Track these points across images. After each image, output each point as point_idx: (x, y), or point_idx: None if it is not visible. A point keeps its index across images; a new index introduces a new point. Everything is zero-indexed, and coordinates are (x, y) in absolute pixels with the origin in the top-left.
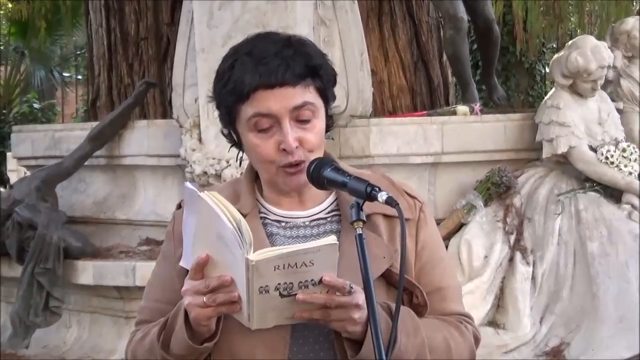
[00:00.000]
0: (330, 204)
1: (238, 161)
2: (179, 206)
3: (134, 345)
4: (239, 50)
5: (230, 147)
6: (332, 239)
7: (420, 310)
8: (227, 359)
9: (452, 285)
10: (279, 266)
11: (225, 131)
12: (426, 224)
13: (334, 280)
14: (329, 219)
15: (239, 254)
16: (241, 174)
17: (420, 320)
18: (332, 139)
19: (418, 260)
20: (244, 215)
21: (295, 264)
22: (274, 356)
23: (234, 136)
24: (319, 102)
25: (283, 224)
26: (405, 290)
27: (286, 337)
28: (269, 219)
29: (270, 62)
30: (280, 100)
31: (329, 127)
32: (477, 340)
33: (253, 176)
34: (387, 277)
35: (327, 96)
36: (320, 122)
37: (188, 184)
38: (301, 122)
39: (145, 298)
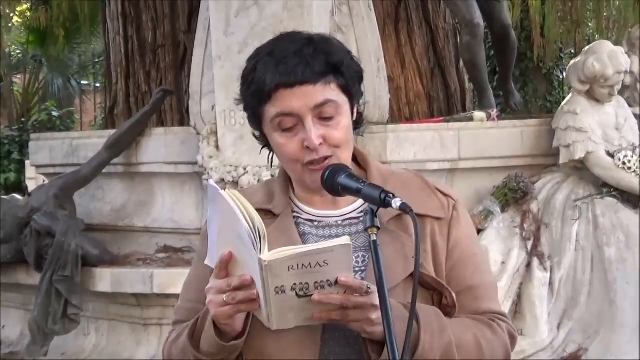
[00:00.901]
0: (363, 204)
1: (270, 162)
2: None
3: (169, 345)
4: (261, 51)
5: (262, 148)
6: (345, 239)
7: (449, 311)
8: (258, 358)
9: (485, 283)
10: (293, 266)
11: (257, 133)
12: (459, 223)
13: (350, 281)
14: (361, 219)
15: (254, 253)
16: (259, 180)
17: (450, 320)
18: (362, 135)
19: (450, 258)
20: (277, 215)
21: (310, 264)
22: (304, 356)
23: (265, 137)
24: (342, 99)
25: (315, 223)
26: (435, 291)
27: (317, 338)
28: (301, 218)
29: (289, 61)
30: (301, 98)
31: (358, 123)
32: (512, 338)
33: (287, 176)
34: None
35: (351, 92)
36: (345, 119)
37: (212, 182)
38: (324, 119)
39: (181, 298)
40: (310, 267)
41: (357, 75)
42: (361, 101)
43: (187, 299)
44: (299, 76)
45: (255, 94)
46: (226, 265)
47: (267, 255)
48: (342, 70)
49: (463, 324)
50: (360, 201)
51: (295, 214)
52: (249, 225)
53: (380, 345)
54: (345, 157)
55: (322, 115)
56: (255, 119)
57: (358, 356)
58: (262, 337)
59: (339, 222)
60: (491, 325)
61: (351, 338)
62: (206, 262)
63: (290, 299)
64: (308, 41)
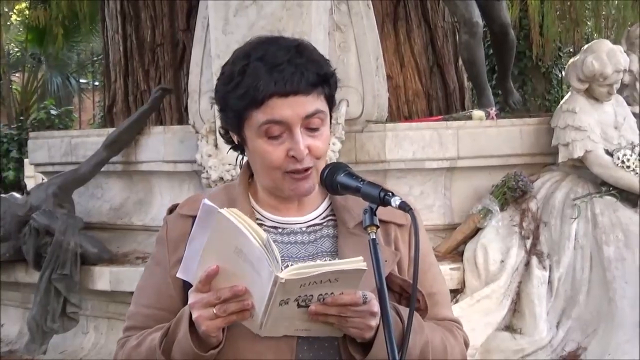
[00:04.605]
0: (325, 209)
1: (238, 165)
2: (170, 211)
3: (128, 351)
4: (250, 54)
5: (230, 149)
6: (363, 264)
7: (420, 314)
8: None
9: (443, 291)
10: (305, 284)
11: (223, 131)
12: (419, 231)
13: (342, 299)
14: (324, 224)
15: (266, 270)
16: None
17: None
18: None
19: (410, 265)
20: None
21: (321, 280)
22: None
23: (235, 138)
24: (326, 110)
25: (280, 230)
26: (403, 295)
27: (292, 344)
28: (265, 225)
29: (285, 69)
30: (293, 108)
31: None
32: (466, 345)
33: (247, 182)
34: (387, 281)
35: (333, 103)
36: (327, 130)
37: (207, 201)
38: (311, 130)
39: (136, 303)
40: (321, 282)
41: (336, 85)
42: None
43: (142, 305)
44: (295, 86)
45: (244, 97)
46: (211, 279)
47: (284, 273)
48: (330, 81)
49: (432, 326)
50: (322, 207)
51: (258, 221)
52: (260, 244)
53: (364, 346)
54: (321, 166)
55: (310, 125)
56: (237, 121)
57: (332, 358)
58: (237, 342)
59: (303, 229)
60: (452, 331)
61: (326, 341)
62: (179, 274)
63: (290, 309)
64: (297, 48)
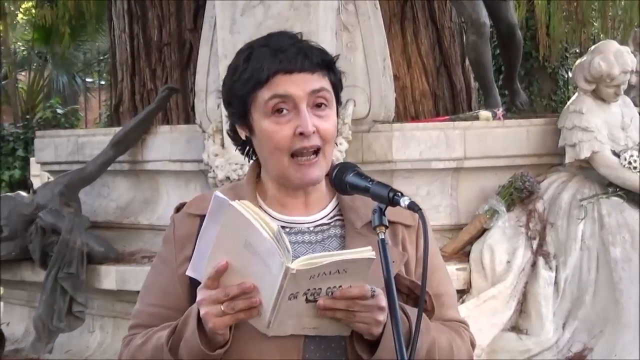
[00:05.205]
0: (333, 209)
1: (248, 159)
2: (177, 210)
3: (133, 350)
4: (253, 45)
5: (237, 149)
6: (371, 254)
7: (427, 314)
8: None
9: (450, 292)
10: (314, 275)
11: (231, 132)
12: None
13: (350, 292)
14: (332, 224)
15: (277, 262)
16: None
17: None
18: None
19: (418, 266)
20: None
21: (330, 271)
22: None
23: (242, 133)
24: (332, 92)
25: (287, 229)
26: (410, 296)
27: (299, 343)
28: None
29: (288, 50)
30: (298, 84)
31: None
32: (473, 346)
33: (255, 181)
34: (395, 282)
35: (338, 94)
36: (334, 115)
37: (219, 194)
38: (317, 107)
39: (142, 302)
40: (330, 274)
41: (340, 82)
42: (340, 110)
43: (148, 303)
44: (299, 65)
45: (249, 80)
46: (220, 275)
47: (295, 264)
48: (334, 69)
49: (438, 327)
50: (330, 206)
51: None
52: (270, 235)
53: (370, 344)
54: (329, 154)
55: (316, 102)
56: (243, 108)
57: (339, 358)
58: (244, 342)
59: (311, 229)
60: (459, 331)
61: (332, 341)
62: (188, 272)
63: (298, 304)
64: (300, 37)
